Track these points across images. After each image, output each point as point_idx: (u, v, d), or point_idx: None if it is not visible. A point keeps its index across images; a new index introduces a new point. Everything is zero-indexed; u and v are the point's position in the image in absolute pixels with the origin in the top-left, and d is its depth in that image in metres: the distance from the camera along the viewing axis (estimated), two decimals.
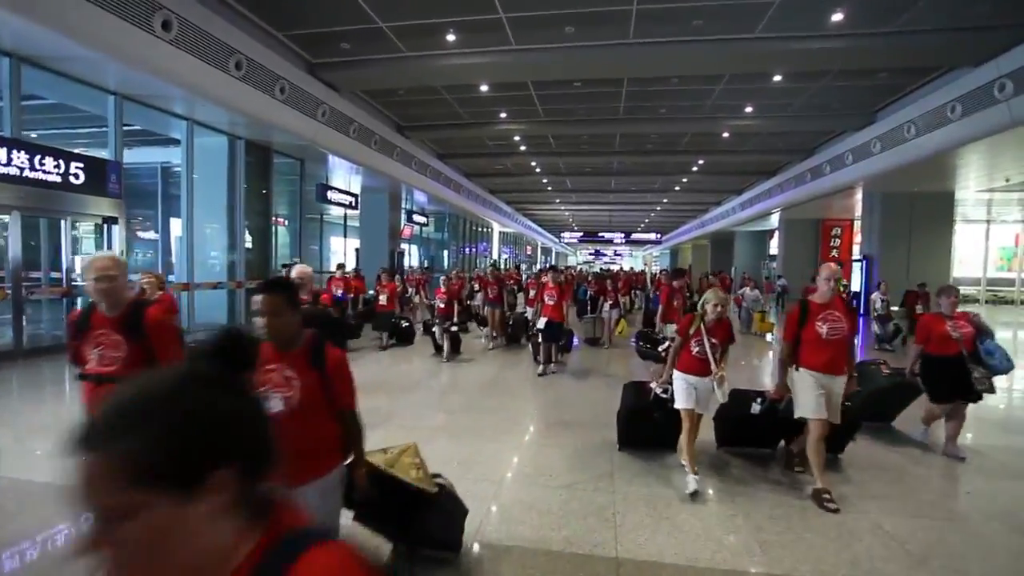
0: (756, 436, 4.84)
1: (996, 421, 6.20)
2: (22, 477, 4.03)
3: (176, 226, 12.44)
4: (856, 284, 17.44)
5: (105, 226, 8.79)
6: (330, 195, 14.87)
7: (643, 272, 31.08)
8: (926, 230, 15.85)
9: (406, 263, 19.42)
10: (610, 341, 11.01)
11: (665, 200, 30.44)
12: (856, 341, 4.21)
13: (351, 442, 2.26)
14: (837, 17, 8.76)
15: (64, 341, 7.45)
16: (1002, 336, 5.22)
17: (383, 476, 2.62)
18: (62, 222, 8.68)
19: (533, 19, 9.07)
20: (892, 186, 14.96)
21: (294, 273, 4.87)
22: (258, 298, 2.06)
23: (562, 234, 52.10)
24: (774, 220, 23.68)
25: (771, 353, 11.15)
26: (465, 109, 14.71)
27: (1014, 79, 8.48)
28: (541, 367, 8.14)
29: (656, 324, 8.40)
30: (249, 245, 12.19)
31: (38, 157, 7.49)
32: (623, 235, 48.63)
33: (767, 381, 8.20)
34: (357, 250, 18.55)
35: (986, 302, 22.03)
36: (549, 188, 27.66)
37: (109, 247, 8.83)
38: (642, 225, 45.33)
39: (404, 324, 10.88)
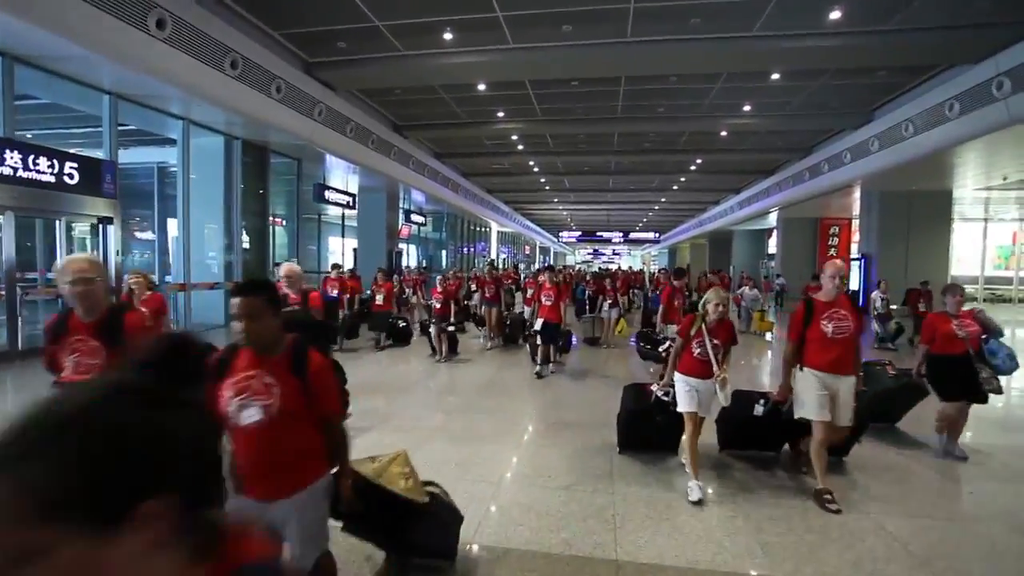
0: (759, 438, 4.75)
1: (996, 420, 6.17)
2: None
3: (173, 227, 12.39)
4: (855, 283, 17.44)
5: (100, 226, 8.73)
6: (327, 195, 14.81)
7: (641, 271, 31.09)
8: (924, 229, 15.86)
9: (404, 263, 19.36)
10: (610, 341, 10.96)
11: (663, 199, 30.42)
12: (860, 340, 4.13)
13: (335, 452, 2.17)
14: (835, 15, 8.73)
15: None
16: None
17: (370, 487, 2.53)
18: (57, 222, 8.61)
19: (530, 17, 9.03)
20: (890, 185, 14.95)
21: (282, 271, 4.78)
22: (235, 300, 1.96)
23: (560, 233, 52.07)
24: (772, 219, 23.68)
25: (770, 352, 11.13)
26: (462, 108, 14.66)
27: (1013, 77, 8.46)
28: (539, 368, 8.07)
29: (656, 324, 8.33)
30: (246, 245, 12.14)
31: (32, 157, 7.42)
32: (621, 234, 48.60)
33: (766, 381, 8.18)
34: (355, 250, 18.50)
35: (984, 300, 22.04)
36: (547, 187, 27.62)
37: (105, 247, 8.78)
38: (640, 224, 45.32)
39: (401, 324, 10.84)
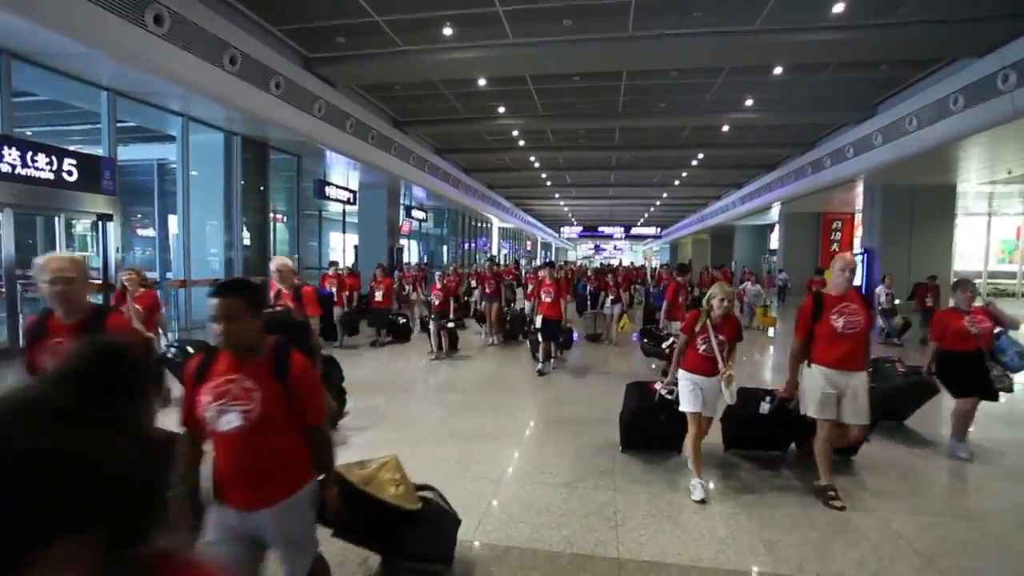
0: (766, 437, 4.64)
1: (1002, 416, 6.12)
2: None
3: (174, 223, 12.36)
4: (857, 278, 17.35)
5: (100, 223, 8.71)
6: (328, 191, 14.77)
7: (643, 267, 31.05)
8: (927, 223, 15.75)
9: (406, 259, 19.32)
10: (613, 337, 10.80)
11: (665, 194, 30.34)
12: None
13: (320, 459, 2.08)
14: (838, 8, 8.65)
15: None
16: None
17: (357, 494, 2.44)
18: (56, 220, 8.58)
19: (530, 12, 8.96)
20: (893, 179, 14.85)
21: (273, 265, 4.65)
22: (212, 302, 1.86)
23: (562, 229, 52.02)
24: (774, 214, 23.56)
25: (772, 348, 11.09)
26: (463, 104, 14.59)
27: (1018, 70, 8.37)
28: (540, 365, 8.00)
29: (660, 320, 8.24)
30: (247, 242, 12.11)
31: (30, 154, 7.38)
32: (623, 230, 48.62)
33: (769, 377, 8.14)
34: (356, 246, 18.47)
35: (987, 295, 21.95)
36: (548, 183, 27.55)
37: (104, 245, 8.76)
38: (642, 220, 45.27)
39: (401, 321, 10.80)
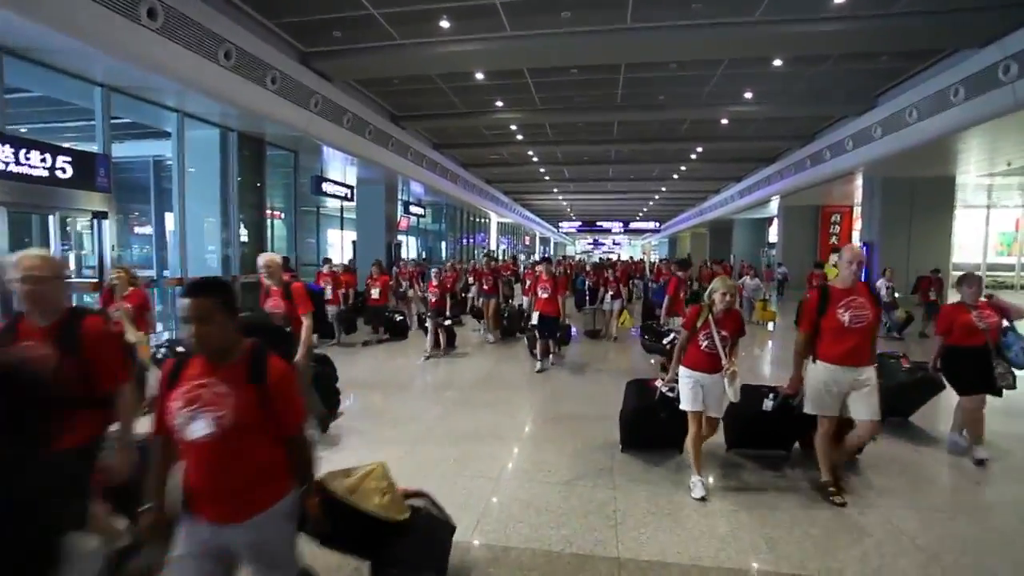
0: (769, 436, 4.53)
1: (1003, 408, 6.07)
2: None
3: (171, 221, 12.28)
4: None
5: (95, 221, 8.64)
6: (325, 187, 14.68)
7: (642, 261, 31.01)
8: (926, 216, 15.73)
9: (404, 255, 19.25)
10: (612, 334, 10.64)
11: (664, 188, 30.25)
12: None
13: (299, 469, 1.96)
14: None
15: None
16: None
17: (340, 505, 2.33)
18: (50, 217, 8.52)
19: (528, 4, 8.86)
20: (893, 171, 14.82)
21: (260, 261, 4.52)
22: (184, 302, 1.76)
23: (560, 224, 51.95)
24: (773, 207, 23.52)
25: (771, 342, 11.07)
26: (461, 98, 14.49)
27: (1019, 60, 8.31)
28: (539, 363, 7.91)
29: (660, 316, 8.16)
30: (244, 239, 12.04)
31: (23, 151, 7.30)
32: (622, 224, 48.56)
33: (768, 371, 8.12)
34: (354, 242, 18.40)
35: (986, 287, 21.93)
36: (547, 177, 27.46)
37: (100, 242, 8.69)
38: (640, 214, 45.17)
39: (398, 318, 10.74)
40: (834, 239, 22.31)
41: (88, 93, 8.56)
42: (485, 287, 10.59)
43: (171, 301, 10.58)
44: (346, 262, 15.19)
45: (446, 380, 7.58)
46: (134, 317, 4.55)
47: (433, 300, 8.88)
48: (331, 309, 9.84)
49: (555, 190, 32.35)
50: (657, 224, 48.26)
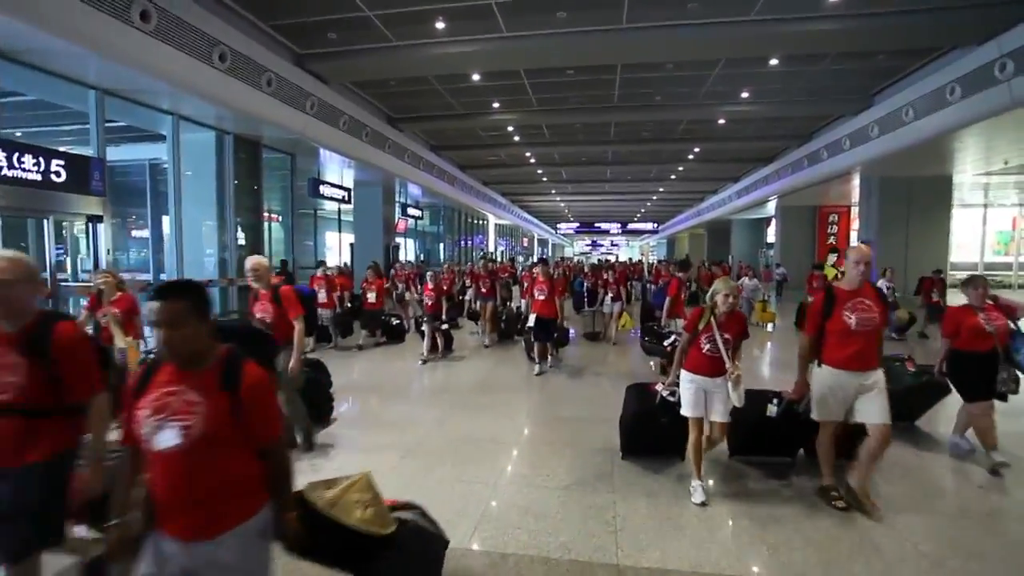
0: (774, 442, 4.41)
1: (1007, 411, 6.02)
2: None
3: (167, 224, 12.22)
4: None
5: (90, 225, 8.58)
6: (322, 189, 14.63)
7: (640, 262, 30.98)
8: (924, 215, 15.73)
9: (402, 257, 19.19)
10: (612, 336, 10.46)
11: (661, 189, 30.26)
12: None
13: (275, 483, 1.85)
14: None
15: None
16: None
17: (320, 518, 2.21)
18: (45, 222, 8.45)
19: (524, 4, 8.84)
20: (890, 171, 14.80)
21: (248, 264, 4.42)
22: (153, 305, 1.66)
23: (558, 225, 51.93)
24: (771, 208, 23.53)
25: (770, 344, 11.03)
26: (457, 99, 14.47)
27: (1016, 58, 8.29)
28: (537, 366, 7.84)
29: (660, 318, 8.09)
30: (241, 242, 11.98)
31: (16, 155, 7.25)
32: (619, 225, 48.61)
33: (767, 374, 8.08)
34: (352, 245, 18.34)
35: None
36: (544, 179, 27.44)
37: (95, 246, 8.63)
38: (638, 215, 45.20)
39: (394, 322, 10.67)
40: (832, 239, 22.31)
41: (82, 96, 8.50)
42: (482, 290, 10.52)
43: None
44: (341, 265, 15.12)
45: (443, 384, 7.52)
46: (123, 322, 4.48)
47: (429, 304, 8.79)
48: (326, 313, 9.79)
49: (553, 191, 32.32)
50: (655, 225, 48.29)
